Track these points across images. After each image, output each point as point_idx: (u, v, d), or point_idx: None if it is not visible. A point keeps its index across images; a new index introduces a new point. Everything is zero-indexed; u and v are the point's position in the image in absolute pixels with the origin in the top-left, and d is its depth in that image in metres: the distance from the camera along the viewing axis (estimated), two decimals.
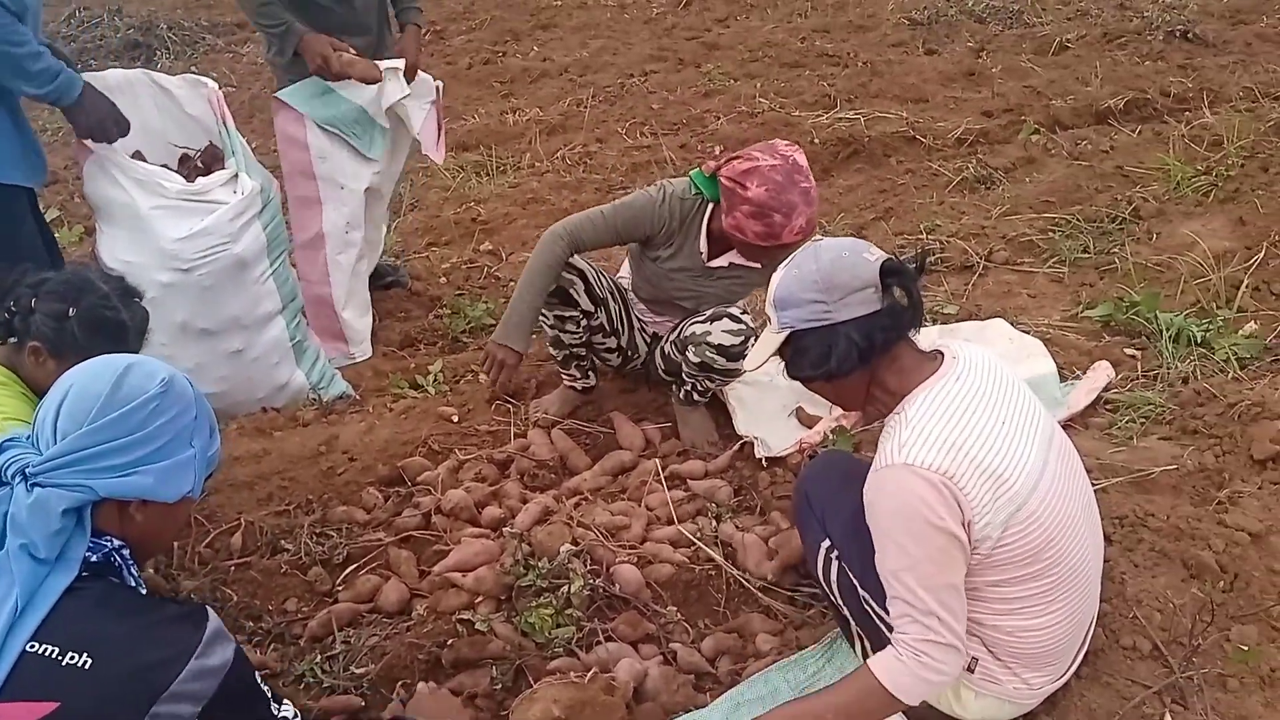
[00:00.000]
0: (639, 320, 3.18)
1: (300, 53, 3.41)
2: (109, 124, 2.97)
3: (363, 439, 3.08)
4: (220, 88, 3.32)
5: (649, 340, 3.20)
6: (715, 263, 2.89)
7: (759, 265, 2.86)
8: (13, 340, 2.24)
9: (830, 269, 1.83)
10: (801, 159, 2.66)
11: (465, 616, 2.33)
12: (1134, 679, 2.09)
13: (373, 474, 2.91)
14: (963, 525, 1.74)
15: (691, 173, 2.85)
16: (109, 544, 1.51)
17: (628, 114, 6.19)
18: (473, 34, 8.04)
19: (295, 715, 1.64)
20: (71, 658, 1.35)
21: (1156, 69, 6.04)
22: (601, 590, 2.39)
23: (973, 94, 6.03)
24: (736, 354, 2.88)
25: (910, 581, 1.76)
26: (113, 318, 2.23)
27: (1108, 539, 2.38)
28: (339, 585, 2.51)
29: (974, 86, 6.20)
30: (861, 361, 1.84)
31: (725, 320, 2.87)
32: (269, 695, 1.60)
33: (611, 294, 3.08)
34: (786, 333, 1.89)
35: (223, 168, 3.17)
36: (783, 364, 1.99)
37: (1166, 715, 2.01)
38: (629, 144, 5.79)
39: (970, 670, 1.89)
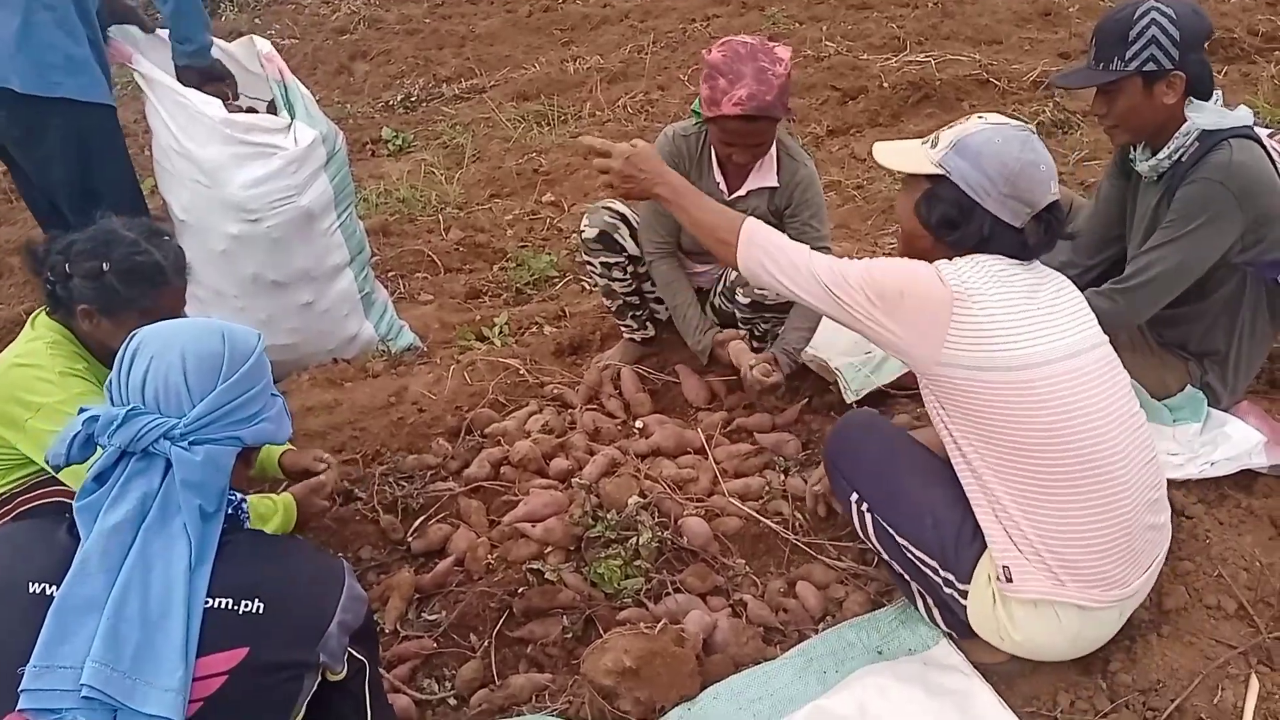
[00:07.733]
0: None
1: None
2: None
3: (431, 390, 3.11)
4: (283, 40, 3.32)
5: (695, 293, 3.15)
6: (735, 194, 2.81)
7: (775, 185, 2.77)
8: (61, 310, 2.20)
9: (1020, 171, 1.84)
10: (782, 52, 2.56)
11: (535, 566, 2.35)
12: (1218, 639, 2.04)
13: (441, 425, 2.93)
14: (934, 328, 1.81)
15: (693, 106, 2.73)
16: (236, 495, 1.59)
17: (690, 60, 6.07)
18: None
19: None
20: (246, 605, 1.42)
21: (1243, 6, 5.77)
22: (670, 542, 2.39)
23: (1049, 34, 5.82)
24: None
25: (860, 263, 1.92)
26: (146, 261, 2.16)
27: (1197, 499, 2.34)
28: (411, 534, 2.54)
29: (1050, 27, 5.97)
30: (972, 248, 1.90)
31: None
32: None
33: None
34: (937, 172, 1.90)
35: None
36: (901, 187, 2.02)
37: (1253, 676, 1.96)
38: (691, 91, 5.68)
39: (1009, 579, 1.83)
